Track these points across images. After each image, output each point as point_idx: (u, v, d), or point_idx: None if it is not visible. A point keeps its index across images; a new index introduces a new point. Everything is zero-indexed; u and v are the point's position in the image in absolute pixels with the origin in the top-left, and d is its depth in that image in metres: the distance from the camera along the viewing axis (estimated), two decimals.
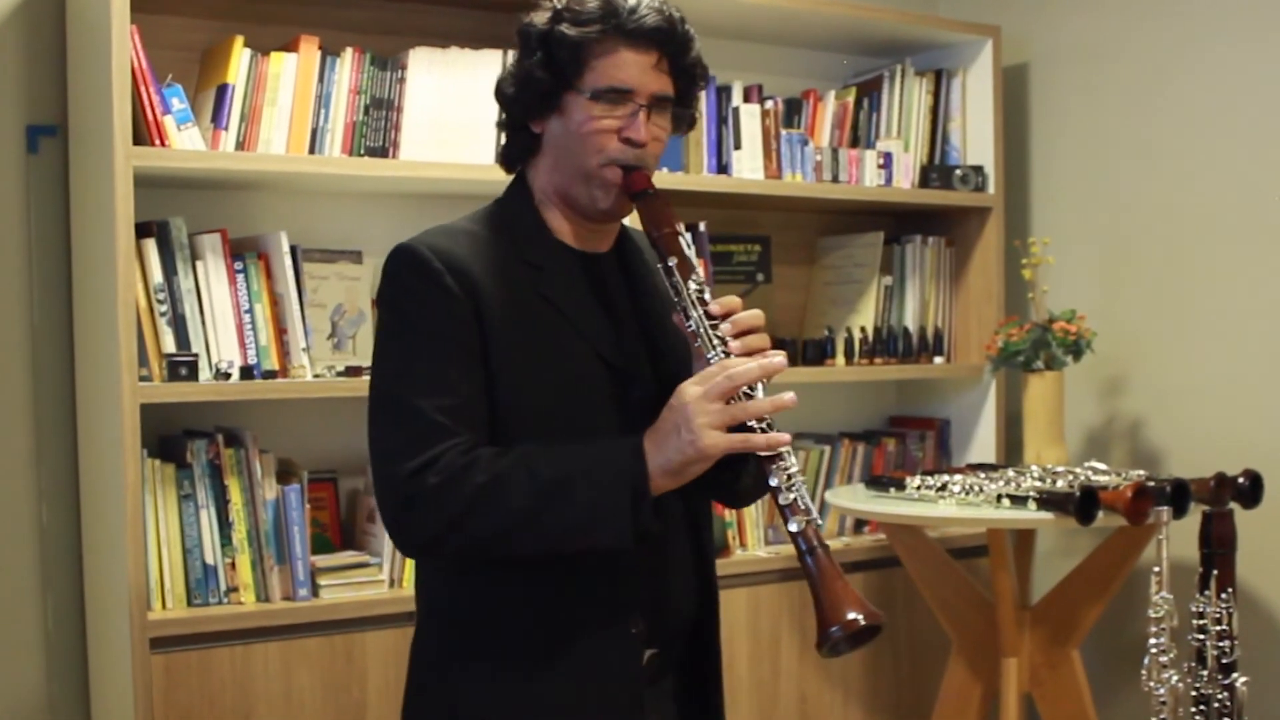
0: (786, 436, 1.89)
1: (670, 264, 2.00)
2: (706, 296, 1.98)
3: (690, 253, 2.02)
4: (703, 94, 2.19)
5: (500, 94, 2.10)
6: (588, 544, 1.91)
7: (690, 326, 1.96)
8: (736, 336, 1.96)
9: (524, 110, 2.07)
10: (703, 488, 2.04)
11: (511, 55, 2.11)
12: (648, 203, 2.03)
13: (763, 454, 1.89)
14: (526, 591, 1.99)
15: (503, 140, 2.15)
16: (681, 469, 1.88)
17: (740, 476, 2.10)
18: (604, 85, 2.00)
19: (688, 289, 1.97)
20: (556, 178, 2.07)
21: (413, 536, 1.95)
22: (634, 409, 2.01)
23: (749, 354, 1.94)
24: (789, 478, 1.88)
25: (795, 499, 1.88)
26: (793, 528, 1.88)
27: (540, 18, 2.05)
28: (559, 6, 2.04)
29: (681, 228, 2.04)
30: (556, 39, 2.01)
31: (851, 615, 1.83)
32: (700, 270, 2.01)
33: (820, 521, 1.91)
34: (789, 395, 1.89)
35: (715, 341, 1.94)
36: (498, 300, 1.97)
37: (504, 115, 2.12)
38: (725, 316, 1.97)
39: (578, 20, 2.01)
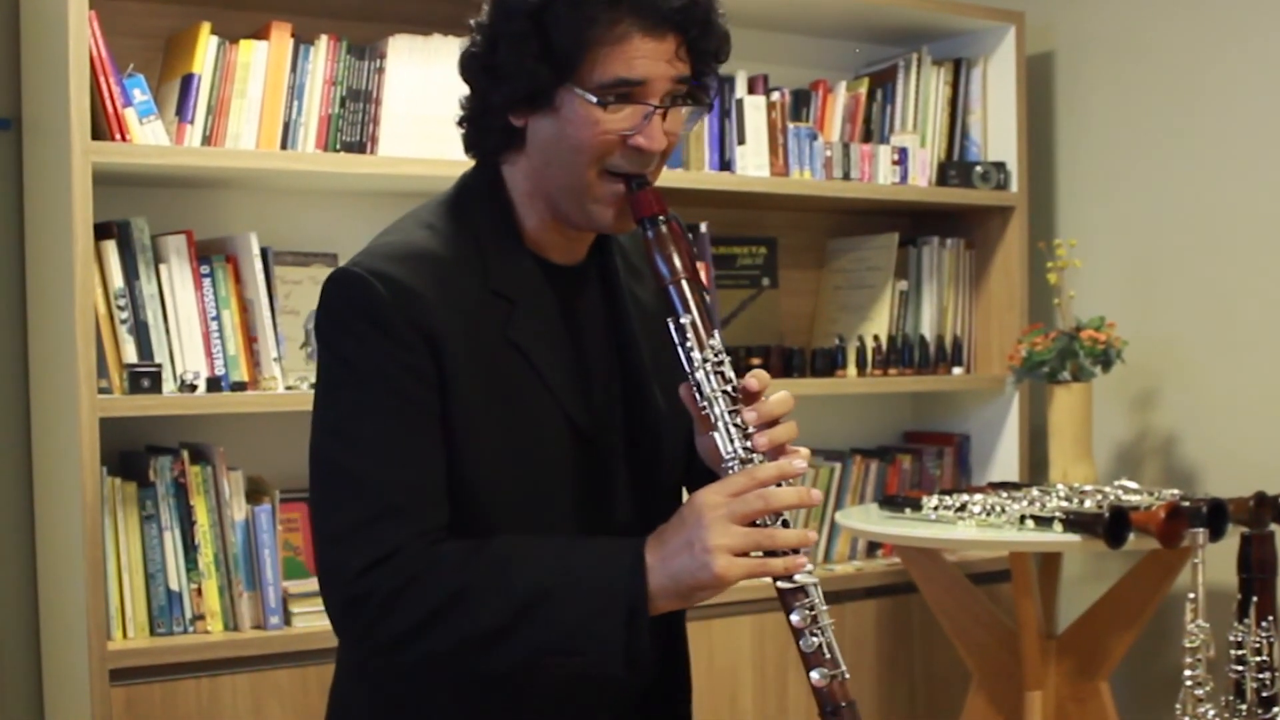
0: (805, 560, 1.71)
1: (683, 321, 1.78)
2: (727, 370, 1.77)
3: (709, 301, 1.82)
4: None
5: (471, 75, 1.88)
6: (567, 668, 1.73)
7: (703, 408, 1.76)
8: (760, 427, 1.76)
9: (504, 100, 1.82)
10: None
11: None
12: (658, 235, 1.80)
13: (783, 586, 1.70)
14: (461, 702, 1.85)
15: (466, 124, 1.94)
16: (689, 593, 1.70)
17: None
18: (611, 79, 1.75)
19: (703, 366, 1.76)
20: (542, 183, 1.85)
21: (362, 641, 1.76)
22: (600, 477, 1.88)
23: (775, 450, 1.76)
24: (814, 619, 1.69)
25: (820, 646, 1.68)
26: (815, 678, 1.68)
27: None
28: None
29: (698, 264, 1.84)
30: (552, 20, 1.75)
31: None
32: (719, 336, 1.79)
33: (848, 674, 1.70)
34: (804, 560, 1.71)
35: (735, 435, 1.74)
36: (461, 349, 1.77)
37: (473, 99, 1.90)
38: (749, 398, 1.78)
39: None
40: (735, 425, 1.75)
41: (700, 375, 1.76)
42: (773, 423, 1.77)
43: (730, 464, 1.74)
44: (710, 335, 1.78)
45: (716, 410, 1.75)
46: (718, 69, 1.90)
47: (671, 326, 1.78)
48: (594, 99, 1.76)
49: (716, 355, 1.77)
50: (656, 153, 1.81)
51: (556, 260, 1.90)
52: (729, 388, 1.76)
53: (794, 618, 1.69)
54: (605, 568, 1.71)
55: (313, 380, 3.20)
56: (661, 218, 1.81)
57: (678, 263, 1.80)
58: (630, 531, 1.80)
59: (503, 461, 1.81)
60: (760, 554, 1.71)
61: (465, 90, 1.92)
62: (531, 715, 1.88)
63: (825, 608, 1.71)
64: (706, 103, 1.90)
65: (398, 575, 1.71)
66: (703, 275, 3.58)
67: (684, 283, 1.79)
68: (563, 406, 1.84)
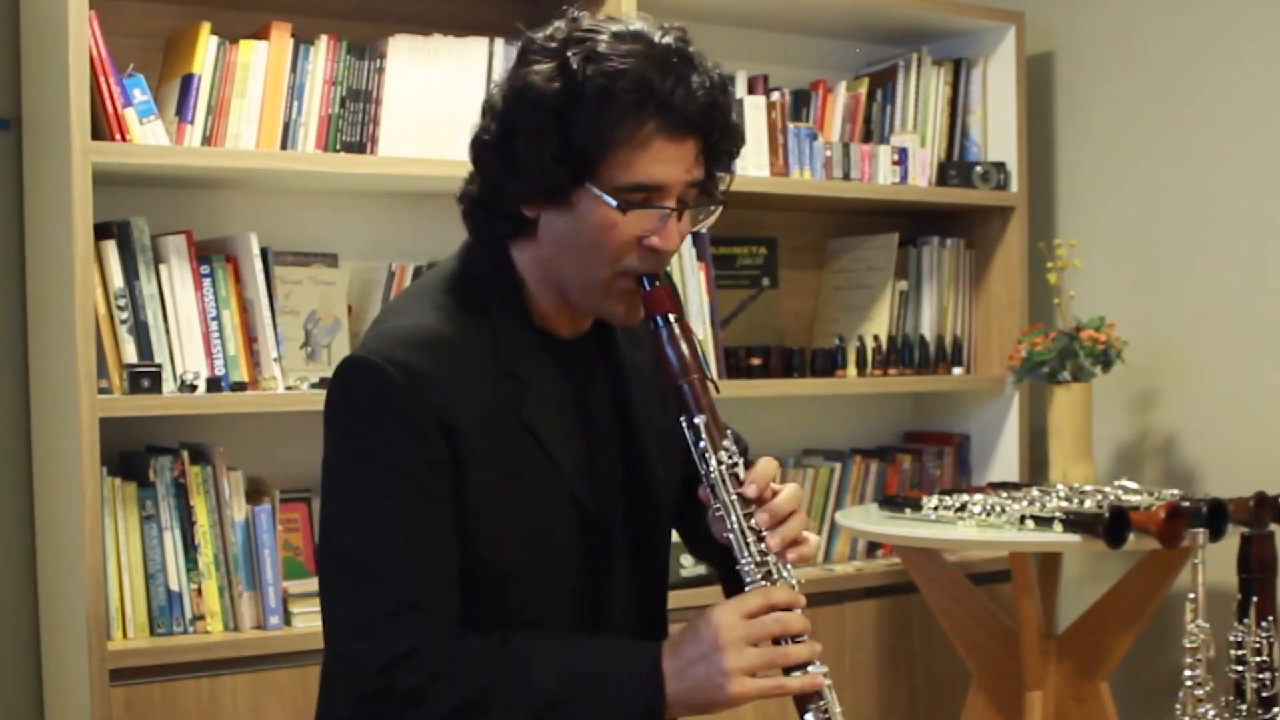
0: (821, 677, 1.77)
1: (697, 421, 1.81)
2: (740, 471, 1.81)
3: (714, 393, 1.84)
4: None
5: (485, 164, 1.86)
6: None
7: (718, 511, 1.81)
8: (772, 526, 1.81)
9: (519, 193, 1.82)
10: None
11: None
12: (670, 333, 1.83)
13: (800, 696, 1.77)
14: None
15: (471, 205, 1.92)
16: (704, 707, 1.75)
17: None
18: (631, 184, 1.75)
19: (718, 469, 1.80)
20: (553, 272, 1.86)
21: None
22: (600, 549, 1.91)
23: (787, 546, 1.82)
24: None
25: None
26: None
27: (548, 78, 1.76)
28: (573, 66, 1.75)
29: (704, 361, 1.88)
30: (576, 118, 1.73)
31: None
32: (730, 435, 1.84)
33: None
34: (820, 676, 1.77)
35: (750, 539, 1.79)
36: (476, 434, 1.78)
37: (485, 185, 1.88)
38: (760, 500, 1.82)
39: (604, 95, 1.72)
40: (750, 529, 1.79)
41: (715, 478, 1.80)
42: (784, 519, 1.82)
43: (745, 566, 1.79)
44: (723, 435, 1.82)
45: (732, 519, 1.79)
46: (731, 166, 1.91)
47: (685, 426, 1.82)
48: (614, 202, 1.76)
49: (731, 459, 1.81)
50: (671, 254, 1.83)
51: (563, 335, 1.93)
52: (745, 491, 1.80)
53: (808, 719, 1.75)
54: (623, 676, 1.76)
55: (313, 381, 3.22)
56: (674, 316, 1.83)
57: (689, 360, 1.83)
58: (626, 599, 1.91)
59: (512, 541, 1.83)
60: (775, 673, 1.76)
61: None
62: None
63: (839, 709, 1.77)
64: (720, 200, 1.91)
65: (419, 672, 1.73)
66: (703, 277, 3.59)
67: (696, 382, 1.82)
68: (570, 488, 1.87)
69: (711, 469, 1.80)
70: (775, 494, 1.84)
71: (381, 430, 1.76)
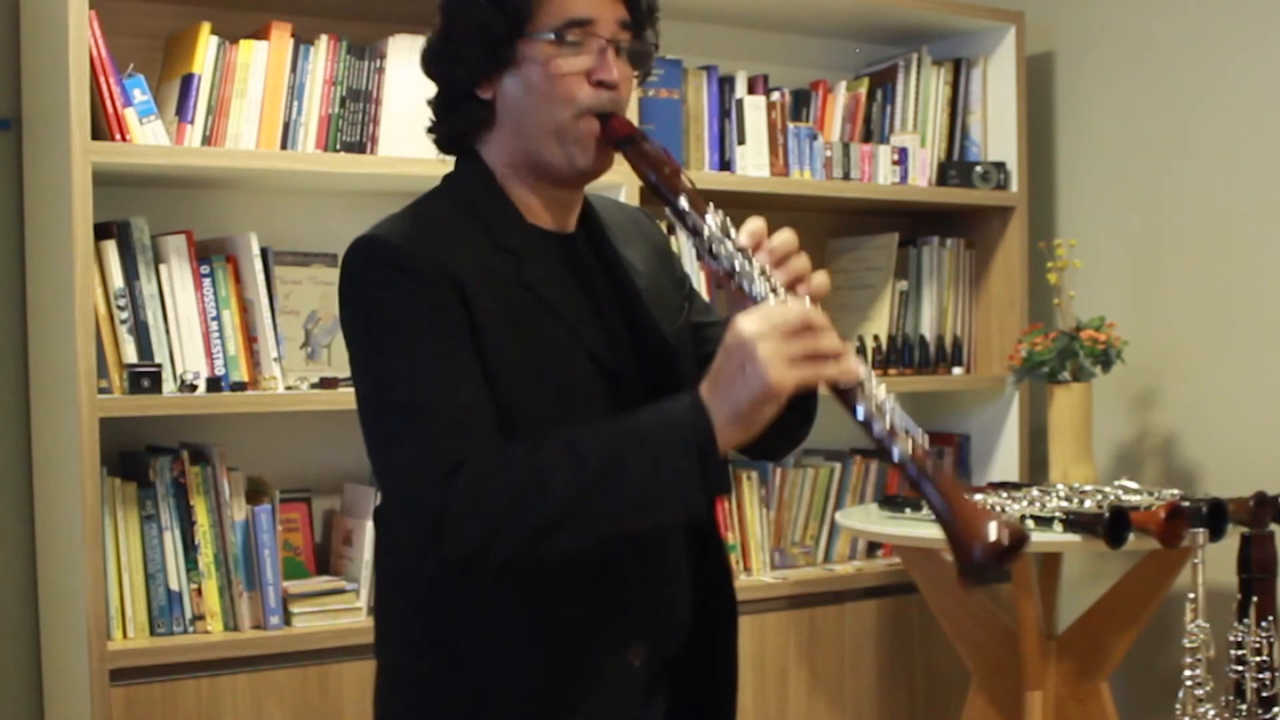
0: (858, 367, 1.78)
1: (681, 206, 1.87)
2: (732, 230, 1.86)
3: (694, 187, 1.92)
4: (657, 31, 2.04)
5: (435, 62, 1.98)
6: (652, 519, 1.81)
7: (723, 266, 1.84)
8: (777, 265, 1.85)
9: (469, 72, 1.93)
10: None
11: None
12: (636, 148, 1.92)
13: (842, 386, 1.77)
14: (521, 624, 1.90)
15: (437, 120, 2.02)
16: (751, 414, 1.74)
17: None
18: (563, 20, 1.88)
19: (710, 225, 1.85)
20: (520, 144, 1.94)
21: (453, 551, 1.78)
22: (625, 409, 1.89)
23: (795, 281, 1.85)
24: (878, 406, 1.76)
25: (892, 424, 1.75)
26: (896, 456, 1.75)
27: None
28: None
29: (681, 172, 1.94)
30: None
31: (993, 533, 1.67)
32: (713, 208, 1.89)
33: (924, 437, 1.77)
34: (857, 364, 1.78)
35: (758, 275, 1.81)
36: (480, 289, 1.86)
37: (441, 87, 1.99)
38: (757, 246, 1.86)
39: None
40: (758, 270, 1.82)
41: (714, 238, 1.84)
42: (784, 259, 1.87)
43: (758, 296, 1.81)
44: (706, 208, 1.86)
45: (737, 263, 1.82)
46: (653, 21, 1.99)
47: (671, 213, 1.88)
48: (551, 36, 1.88)
49: (721, 219, 1.85)
50: (617, 85, 1.91)
51: (547, 228, 2.00)
52: (738, 243, 1.84)
53: (859, 413, 1.76)
54: (667, 419, 1.77)
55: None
56: (634, 136, 1.92)
57: (659, 158, 1.91)
58: None
59: (533, 396, 1.88)
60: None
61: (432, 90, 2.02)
62: (590, 695, 1.93)
63: (883, 388, 1.77)
64: (647, 51, 1.99)
65: (471, 477, 1.76)
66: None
67: (673, 175, 1.89)
68: (582, 341, 1.93)
69: (706, 233, 1.84)
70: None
71: (394, 290, 1.84)
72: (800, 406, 1.91)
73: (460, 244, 1.89)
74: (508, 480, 1.76)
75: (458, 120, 1.99)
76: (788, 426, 1.92)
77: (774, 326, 1.73)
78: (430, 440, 1.79)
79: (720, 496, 1.79)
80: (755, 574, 3.85)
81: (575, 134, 1.91)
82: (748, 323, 1.74)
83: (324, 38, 3.27)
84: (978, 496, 1.71)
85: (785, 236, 1.87)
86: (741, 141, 3.79)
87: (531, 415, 1.87)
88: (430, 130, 2.04)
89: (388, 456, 1.84)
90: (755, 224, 1.89)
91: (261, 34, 3.22)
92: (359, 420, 1.89)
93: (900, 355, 4.09)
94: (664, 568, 2.00)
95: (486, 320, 1.85)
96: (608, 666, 1.93)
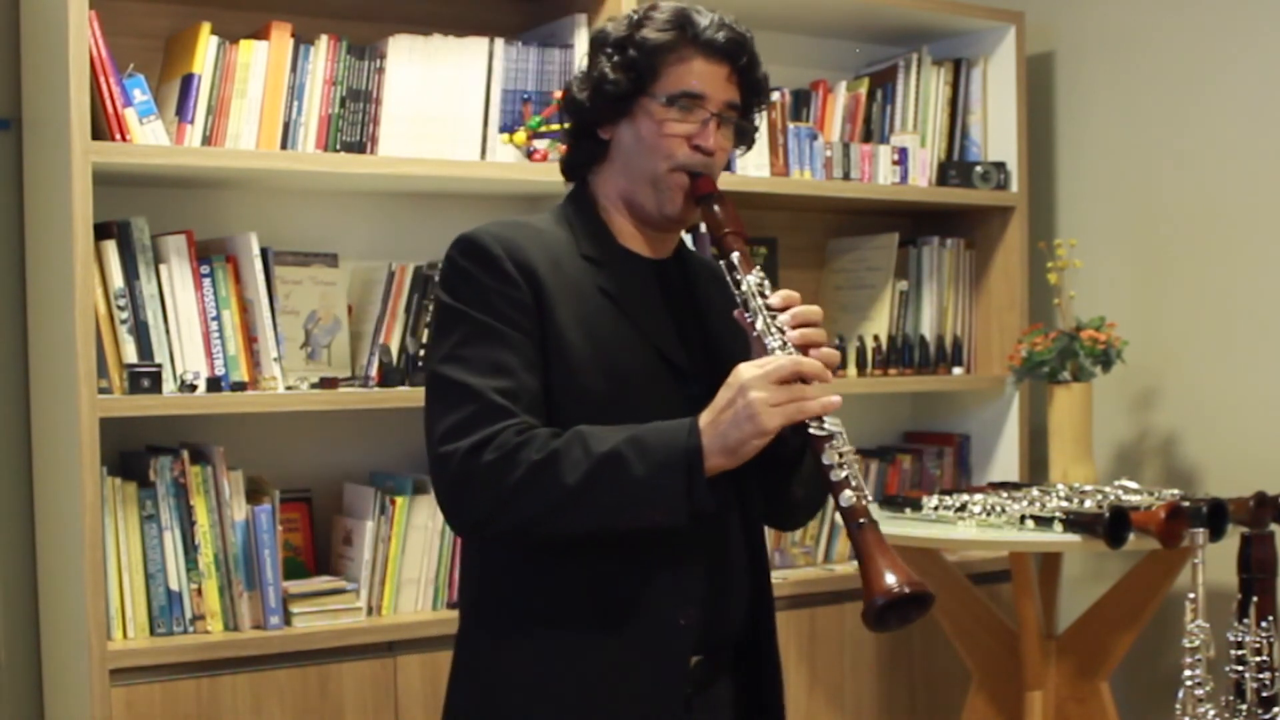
0: (837, 399, 2.04)
1: (733, 259, 2.17)
2: (767, 290, 2.15)
3: (749, 253, 2.22)
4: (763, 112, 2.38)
5: (570, 99, 2.27)
6: (639, 521, 2.04)
7: (750, 318, 2.13)
8: (795, 328, 2.12)
9: (595, 115, 2.23)
10: (755, 496, 2.26)
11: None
12: (712, 205, 2.21)
13: (815, 433, 2.04)
14: (577, 573, 2.13)
15: (565, 148, 2.33)
16: (738, 446, 2.01)
17: (792, 486, 2.26)
18: (678, 90, 2.18)
19: (748, 281, 2.15)
20: (623, 183, 2.24)
21: (465, 514, 2.09)
22: (692, 408, 2.10)
23: (807, 345, 2.11)
24: (840, 456, 2.03)
25: (847, 475, 2.03)
26: (843, 502, 2.02)
27: (617, 26, 2.24)
28: (635, 17, 2.23)
29: (744, 232, 2.22)
30: (635, 44, 2.19)
31: (892, 581, 1.95)
32: (758, 269, 2.19)
33: (871, 499, 2.08)
34: (836, 397, 2.04)
35: (775, 330, 2.10)
36: (557, 290, 2.13)
37: (572, 121, 2.29)
38: (785, 309, 2.14)
39: (656, 27, 2.20)
40: (776, 327, 2.12)
41: (748, 293, 2.15)
42: (804, 326, 2.15)
43: (771, 347, 2.10)
44: (754, 267, 2.18)
45: (761, 318, 2.13)
46: (761, 107, 2.33)
47: (724, 264, 2.19)
48: (663, 99, 2.19)
49: (760, 280, 2.17)
50: (714, 151, 2.22)
51: (638, 251, 2.28)
52: (769, 301, 2.15)
53: (825, 459, 2.04)
54: (667, 434, 2.04)
55: (313, 381, 3.23)
56: (715, 194, 2.22)
57: (724, 218, 2.21)
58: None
59: (602, 381, 2.14)
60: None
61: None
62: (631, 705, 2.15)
63: (851, 448, 2.06)
64: (753, 128, 2.34)
65: (496, 451, 2.03)
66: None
67: (734, 234, 2.20)
68: (652, 342, 2.20)
69: (744, 286, 2.15)
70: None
71: (472, 280, 2.13)
72: (780, 466, 2.22)
73: (547, 250, 2.17)
74: (526, 459, 2.02)
75: (578, 152, 2.31)
76: (778, 493, 2.28)
77: (767, 374, 2.02)
78: (471, 415, 2.05)
79: (702, 511, 2.03)
80: None
81: (668, 184, 2.21)
82: (747, 368, 2.04)
83: (324, 38, 3.27)
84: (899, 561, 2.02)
85: (811, 307, 2.18)
86: None
87: (604, 399, 2.13)
88: (561, 159, 2.35)
89: (434, 422, 2.09)
90: (789, 292, 2.19)
91: (261, 34, 3.22)
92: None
93: (900, 355, 4.09)
94: (723, 550, 2.22)
95: (558, 310, 2.13)
96: (657, 617, 2.13)
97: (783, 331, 2.12)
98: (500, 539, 2.15)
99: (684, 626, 2.14)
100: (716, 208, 2.22)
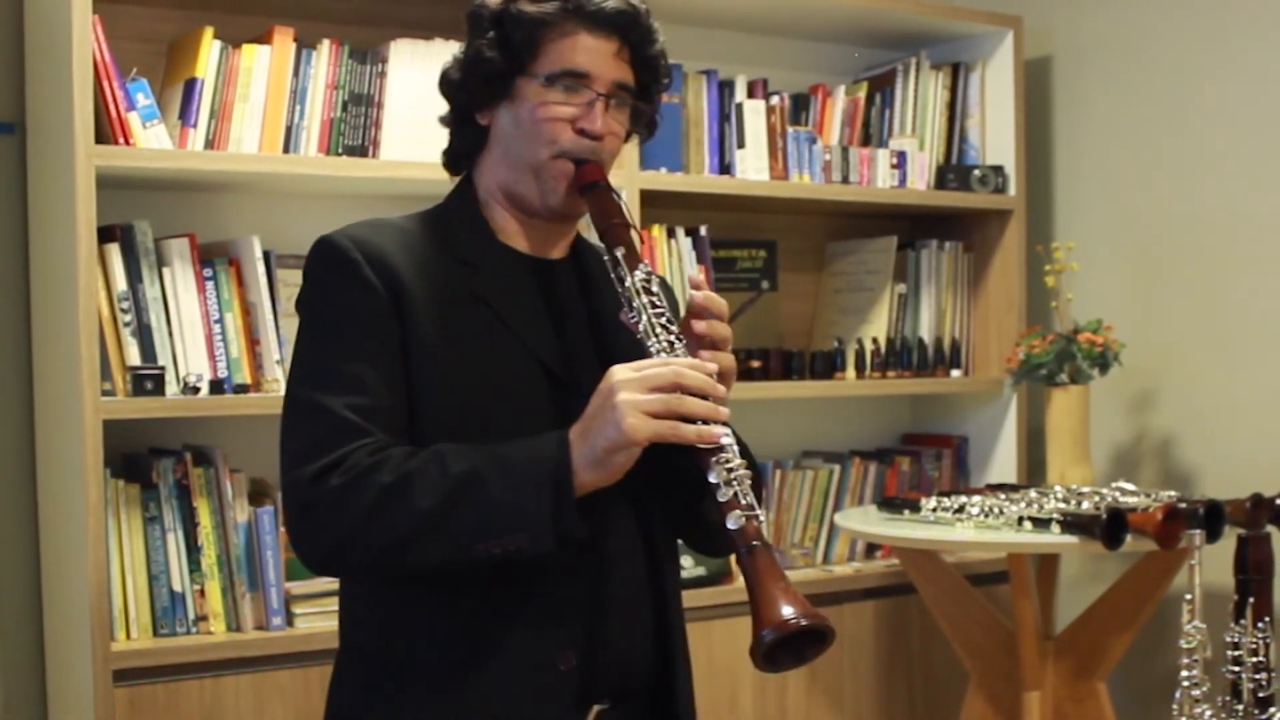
0: (723, 430, 1.82)
1: (617, 254, 1.96)
2: (653, 286, 1.94)
3: (639, 247, 2.00)
4: (666, 93, 2.19)
5: (445, 83, 2.08)
6: (503, 547, 1.81)
7: (634, 318, 1.91)
8: (693, 318, 1.93)
9: (471, 98, 2.05)
10: (664, 519, 2.04)
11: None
12: (596, 195, 2.00)
13: (700, 446, 1.81)
14: (445, 612, 1.92)
15: (447, 139, 2.13)
16: (606, 458, 1.80)
17: (706, 501, 1.93)
18: (560, 69, 1.97)
19: (633, 278, 1.93)
20: (503, 172, 2.04)
21: (313, 546, 1.88)
22: (574, 420, 1.90)
23: (707, 346, 1.93)
24: (729, 472, 1.80)
25: (735, 494, 1.80)
26: (731, 525, 1.79)
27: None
28: None
29: (634, 221, 2.01)
30: (511, 18, 1.99)
31: (788, 613, 1.71)
32: (646, 263, 1.97)
33: (762, 518, 1.82)
34: (723, 414, 1.83)
35: (659, 331, 1.89)
36: (423, 296, 1.93)
37: (449, 108, 2.10)
38: (691, 309, 1.95)
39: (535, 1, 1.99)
40: (662, 326, 1.89)
41: (631, 291, 1.92)
42: (701, 316, 1.94)
43: (652, 349, 1.88)
44: (637, 263, 1.95)
45: (645, 318, 1.90)
46: (659, 89, 2.10)
47: (608, 259, 1.97)
48: (544, 81, 1.98)
49: (645, 276, 1.94)
50: (601, 135, 1.99)
51: (522, 250, 2.07)
52: (654, 299, 1.92)
53: (711, 476, 1.80)
54: (531, 449, 1.83)
55: None
56: (601, 183, 2.00)
57: (611, 207, 1.99)
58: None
59: (477, 399, 1.93)
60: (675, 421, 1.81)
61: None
62: (529, 703, 1.93)
63: (740, 462, 1.82)
64: (646, 111, 2.10)
65: (344, 475, 1.83)
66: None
67: (619, 226, 1.98)
68: (530, 349, 1.98)
69: (627, 283, 1.93)
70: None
71: (328, 290, 1.95)
72: (684, 484, 1.95)
73: (411, 254, 1.97)
74: (376, 483, 1.82)
75: (458, 140, 2.11)
76: (688, 517, 2.04)
77: (640, 379, 1.81)
78: (318, 437, 1.87)
79: (571, 535, 1.81)
80: None
81: (550, 172, 2.00)
82: (619, 371, 1.82)
83: (326, 42, 3.27)
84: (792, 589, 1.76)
85: (714, 298, 1.96)
86: (741, 145, 3.79)
87: (476, 416, 1.93)
88: (443, 151, 2.14)
89: (284, 449, 1.93)
90: (699, 293, 1.96)
91: (264, 38, 3.22)
92: None
93: (899, 357, 4.09)
94: (604, 581, 1.98)
95: (423, 318, 1.93)
96: (533, 662, 1.92)
97: (670, 332, 1.89)
98: (356, 573, 1.96)
99: (564, 672, 1.92)
100: (603, 194, 1.99)
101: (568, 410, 1.90)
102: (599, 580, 1.97)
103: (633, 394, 1.79)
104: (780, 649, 1.73)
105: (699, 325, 1.94)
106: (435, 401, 1.92)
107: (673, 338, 1.89)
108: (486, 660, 1.91)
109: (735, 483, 1.80)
